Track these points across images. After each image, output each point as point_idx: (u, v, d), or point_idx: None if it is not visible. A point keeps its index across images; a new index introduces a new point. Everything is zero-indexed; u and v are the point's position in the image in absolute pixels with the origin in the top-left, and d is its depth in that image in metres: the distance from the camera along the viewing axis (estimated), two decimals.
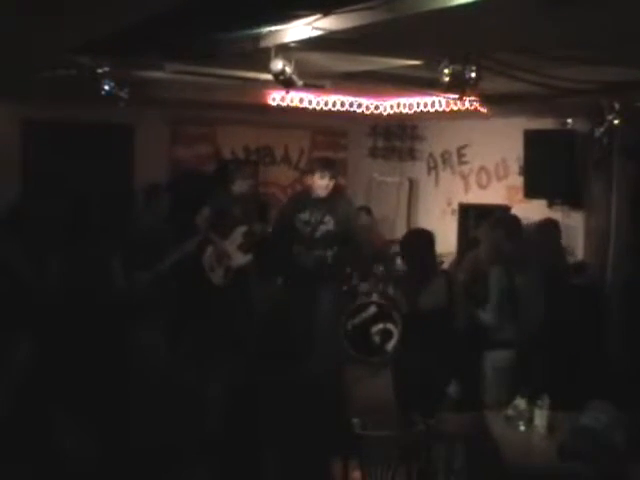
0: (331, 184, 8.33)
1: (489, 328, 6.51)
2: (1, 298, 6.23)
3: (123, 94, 6.17)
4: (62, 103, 8.42)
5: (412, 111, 8.23)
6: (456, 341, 6.45)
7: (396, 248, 8.50)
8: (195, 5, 3.92)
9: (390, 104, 8.42)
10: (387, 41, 4.58)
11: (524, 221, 7.17)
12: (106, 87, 6.01)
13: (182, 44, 5.11)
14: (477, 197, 9.89)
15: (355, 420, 5.18)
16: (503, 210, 8.69)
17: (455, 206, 10.16)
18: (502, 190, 9.51)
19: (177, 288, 7.32)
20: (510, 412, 5.52)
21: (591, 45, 4.55)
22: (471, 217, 9.71)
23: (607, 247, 8.13)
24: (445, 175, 10.37)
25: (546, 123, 8.54)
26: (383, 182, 10.79)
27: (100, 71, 5.82)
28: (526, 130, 8.60)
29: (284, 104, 8.05)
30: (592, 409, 5.16)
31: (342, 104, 8.34)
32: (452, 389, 6.81)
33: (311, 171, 8.56)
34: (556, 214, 8.30)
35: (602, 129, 6.43)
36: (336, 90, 7.72)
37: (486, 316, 6.51)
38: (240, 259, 8.13)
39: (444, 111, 7.92)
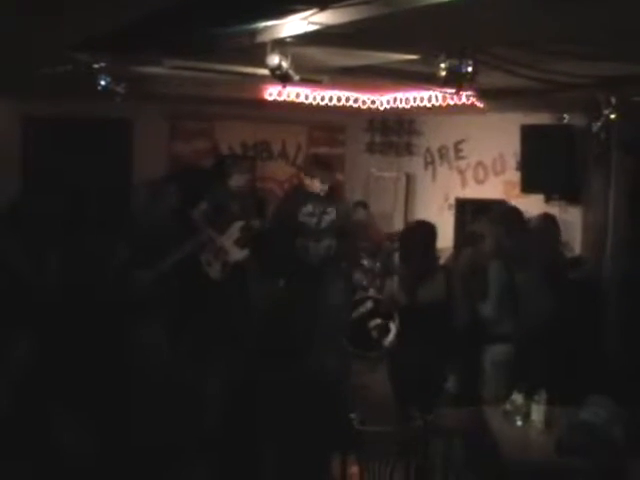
0: (328, 185, 8.52)
1: (488, 322, 6.51)
2: (0, 294, 6.24)
3: (120, 89, 6.16)
4: (61, 99, 8.41)
5: (409, 106, 8.23)
6: (454, 336, 6.45)
7: (395, 243, 8.51)
8: (192, 1, 3.91)
9: (387, 99, 8.42)
10: (383, 35, 4.58)
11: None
12: (102, 82, 6.00)
13: (179, 40, 5.11)
14: (474, 192, 9.88)
15: (353, 415, 5.18)
16: (506, 204, 8.64)
17: (452, 201, 10.15)
18: (499, 185, 9.51)
19: (178, 285, 7.32)
20: (507, 407, 5.52)
21: (588, 40, 4.55)
22: (468, 212, 9.70)
23: (605, 242, 8.12)
24: (442, 170, 10.36)
25: (543, 118, 8.53)
26: (380, 177, 10.79)
27: (96, 66, 5.82)
28: (523, 125, 8.59)
29: (281, 99, 8.04)
30: (591, 404, 5.17)
31: (339, 99, 8.33)
32: (450, 384, 6.82)
33: (310, 174, 8.58)
34: (553, 209, 8.30)
35: (599, 124, 6.42)
36: (333, 85, 7.71)
37: (486, 310, 6.51)
38: (237, 254, 8.13)
39: (441, 106, 7.91)
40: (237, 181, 8.54)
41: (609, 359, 7.38)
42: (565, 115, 8.22)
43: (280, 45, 4.63)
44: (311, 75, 6.45)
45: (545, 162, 8.25)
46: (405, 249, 6.86)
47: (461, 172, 10.06)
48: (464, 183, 10.04)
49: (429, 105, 7.98)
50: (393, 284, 6.68)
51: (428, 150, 10.54)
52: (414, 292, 6.40)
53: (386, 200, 10.68)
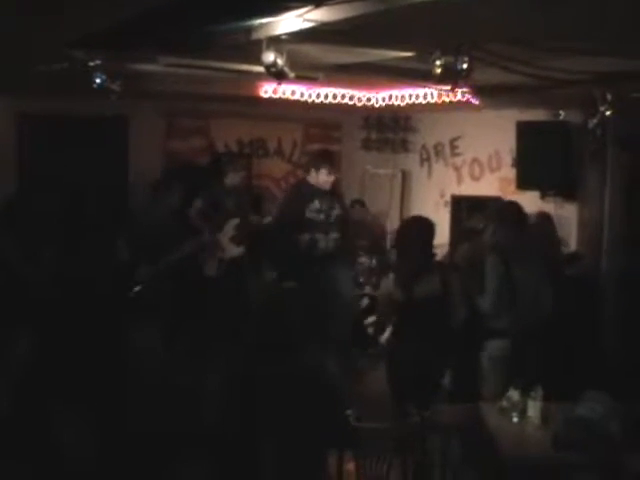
0: (333, 177, 8.54)
1: (486, 316, 6.52)
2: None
3: (115, 87, 6.15)
4: (57, 96, 8.41)
5: (404, 103, 8.23)
6: (451, 332, 6.46)
7: (392, 240, 8.54)
8: None
9: (382, 96, 8.42)
10: (379, 33, 4.58)
11: None
12: (98, 80, 5.99)
13: (175, 37, 5.10)
14: (470, 189, 9.89)
15: (350, 412, 5.18)
16: (505, 199, 8.64)
17: (448, 198, 10.17)
18: (495, 182, 9.51)
19: (176, 282, 7.33)
20: (504, 403, 5.53)
21: (583, 36, 4.55)
22: (464, 209, 9.71)
23: (600, 238, 8.14)
24: (438, 167, 10.38)
25: (539, 115, 8.53)
26: (376, 174, 10.79)
27: (92, 64, 5.81)
28: (519, 122, 8.60)
29: (276, 96, 8.04)
30: (587, 399, 5.17)
31: (334, 96, 8.34)
32: (447, 380, 6.82)
33: (315, 167, 8.58)
34: (549, 205, 8.32)
35: (595, 120, 6.42)
36: (328, 82, 7.71)
37: (484, 304, 6.52)
38: (232, 251, 8.13)
39: (436, 103, 7.92)
40: (232, 179, 8.55)
41: (605, 355, 7.40)
42: (561, 111, 8.22)
43: (275, 42, 4.63)
44: (307, 72, 6.44)
45: (541, 159, 8.26)
46: (401, 245, 6.85)
47: (457, 169, 10.07)
48: (460, 180, 10.06)
49: (425, 102, 7.99)
50: (389, 281, 6.66)
51: (424, 147, 10.55)
52: (410, 288, 6.40)
53: (382, 197, 10.70)
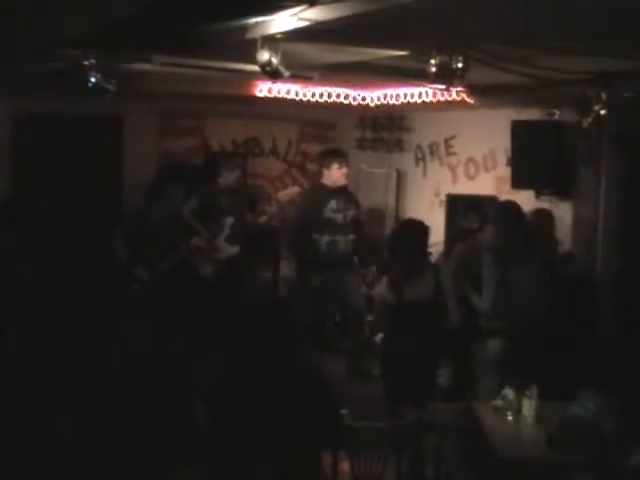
0: (345, 169, 8.72)
1: (486, 316, 6.53)
2: None
3: (110, 86, 6.15)
4: (52, 96, 8.40)
5: (399, 102, 8.23)
6: (446, 332, 6.46)
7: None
8: None
9: (377, 95, 8.42)
10: (374, 32, 4.57)
11: None
12: (93, 79, 5.98)
13: (170, 36, 5.10)
14: (465, 188, 9.89)
15: (344, 411, 5.19)
16: (504, 199, 8.64)
17: (443, 197, 10.16)
18: (490, 181, 9.51)
19: (172, 282, 7.34)
20: (499, 402, 5.54)
21: (578, 36, 4.56)
22: (459, 208, 9.71)
23: (595, 237, 8.15)
24: (433, 166, 10.37)
25: (534, 114, 8.53)
26: (371, 173, 10.79)
27: (87, 63, 5.81)
28: (514, 121, 8.60)
29: (271, 96, 8.03)
30: (581, 398, 5.19)
31: (329, 95, 8.33)
32: (442, 379, 6.83)
33: (326, 165, 8.66)
34: (544, 204, 8.31)
35: (589, 119, 6.42)
36: (323, 81, 7.71)
37: (483, 305, 6.53)
38: (228, 251, 8.14)
39: (431, 102, 7.91)
40: (226, 178, 8.56)
41: (600, 353, 7.41)
42: (555, 111, 8.22)
43: (270, 41, 4.62)
44: (301, 71, 6.44)
45: (536, 158, 8.26)
46: (394, 248, 6.84)
47: (452, 168, 10.07)
48: (455, 179, 10.05)
49: (420, 101, 7.98)
50: (383, 283, 6.65)
51: (419, 146, 10.55)
52: (401, 291, 6.39)
53: (377, 196, 10.69)
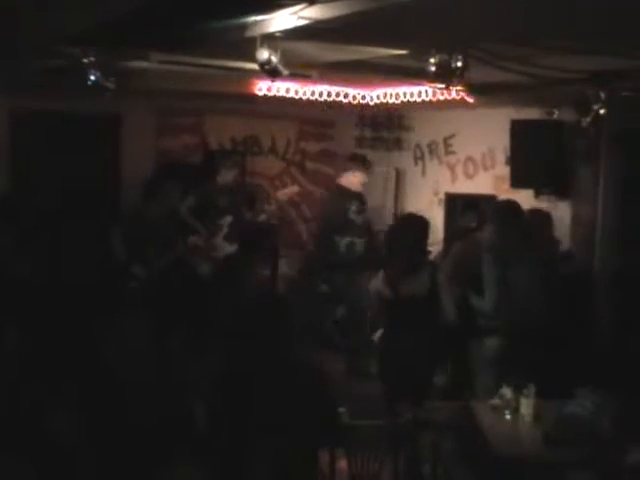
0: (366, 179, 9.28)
1: (488, 316, 6.53)
2: None
3: (109, 84, 6.14)
4: (50, 93, 8.38)
5: (399, 101, 8.23)
6: (443, 329, 6.46)
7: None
8: None
9: (377, 94, 8.42)
10: (373, 30, 4.58)
11: None
12: (92, 77, 5.98)
13: (169, 34, 5.10)
14: (464, 187, 9.89)
15: (342, 409, 5.19)
16: (503, 198, 8.65)
17: (442, 196, 10.16)
18: (489, 180, 9.51)
19: (170, 281, 7.33)
20: (497, 401, 5.54)
21: (577, 35, 4.56)
22: (458, 207, 9.72)
23: (594, 236, 8.15)
24: (432, 165, 10.37)
25: (533, 113, 8.54)
26: (370, 172, 10.78)
27: (86, 61, 5.81)
28: (513, 120, 8.60)
29: (270, 94, 8.03)
30: (579, 397, 5.19)
31: (329, 94, 8.33)
32: (439, 378, 6.83)
33: (349, 170, 9.07)
34: (542, 204, 8.31)
35: (588, 119, 6.43)
36: (322, 80, 7.71)
37: (485, 305, 6.53)
38: (226, 249, 8.14)
39: (431, 101, 7.91)
40: (224, 176, 8.57)
41: (598, 352, 7.41)
42: (555, 110, 8.23)
43: (269, 40, 4.63)
44: (301, 70, 6.44)
45: (535, 157, 8.26)
46: (392, 243, 6.82)
47: (451, 167, 10.07)
48: (454, 178, 10.05)
49: (419, 100, 7.99)
50: (379, 279, 6.64)
51: (418, 145, 10.55)
52: (398, 287, 6.39)
53: (376, 195, 10.68)
